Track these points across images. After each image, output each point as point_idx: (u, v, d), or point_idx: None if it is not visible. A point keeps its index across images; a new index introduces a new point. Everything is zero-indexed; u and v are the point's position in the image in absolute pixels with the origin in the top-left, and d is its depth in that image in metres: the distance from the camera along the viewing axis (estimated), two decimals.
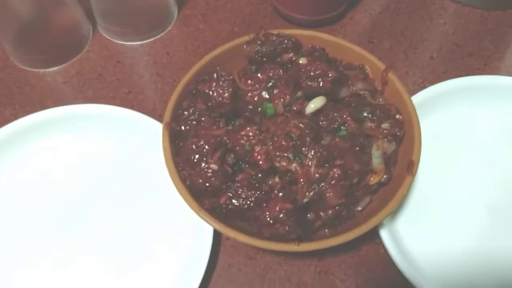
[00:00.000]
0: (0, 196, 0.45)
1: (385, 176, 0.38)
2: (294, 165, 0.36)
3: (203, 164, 0.36)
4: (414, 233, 0.43)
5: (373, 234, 0.41)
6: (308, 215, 0.37)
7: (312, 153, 0.36)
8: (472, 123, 0.48)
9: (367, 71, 0.43)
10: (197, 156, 0.36)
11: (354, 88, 0.42)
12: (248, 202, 0.36)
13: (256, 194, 0.36)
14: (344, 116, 0.38)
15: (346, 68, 0.43)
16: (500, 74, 0.51)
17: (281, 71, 0.40)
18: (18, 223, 0.43)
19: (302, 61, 0.40)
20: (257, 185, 0.36)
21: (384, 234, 0.41)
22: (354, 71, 0.43)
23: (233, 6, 0.59)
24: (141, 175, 0.45)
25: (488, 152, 0.47)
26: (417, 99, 0.47)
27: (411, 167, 0.38)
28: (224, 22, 0.57)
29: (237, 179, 0.37)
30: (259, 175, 0.37)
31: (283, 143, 0.36)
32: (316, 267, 0.42)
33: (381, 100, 0.42)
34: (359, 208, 0.38)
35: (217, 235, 0.43)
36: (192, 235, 0.42)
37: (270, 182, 0.37)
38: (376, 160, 0.38)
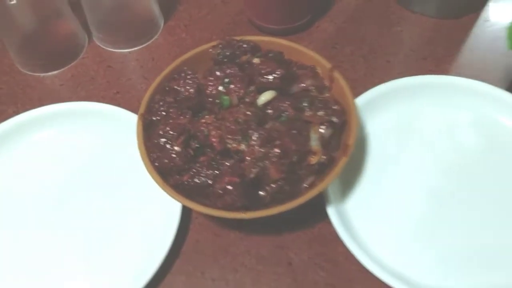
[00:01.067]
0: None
1: (324, 157, 0.44)
2: (242, 146, 0.42)
3: (168, 147, 0.43)
4: (362, 214, 0.48)
5: (325, 214, 0.46)
6: (260, 193, 0.43)
7: (256, 135, 0.42)
8: (418, 117, 0.53)
9: (317, 70, 0.49)
10: (163, 140, 0.43)
11: (303, 85, 0.48)
12: (207, 180, 0.41)
13: (214, 173, 0.42)
14: (286, 105, 0.44)
15: (299, 68, 0.50)
16: (449, 74, 0.57)
17: (237, 69, 0.46)
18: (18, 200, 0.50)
19: (256, 61, 0.47)
20: (215, 165, 0.42)
21: (331, 213, 0.46)
22: (305, 70, 0.49)
23: (212, 18, 0.66)
24: (123, 161, 0.52)
25: (431, 142, 0.52)
26: (370, 95, 0.53)
27: (346, 150, 0.44)
28: (204, 31, 0.64)
29: (199, 160, 0.43)
30: (217, 157, 0.43)
31: (233, 127, 0.42)
32: (273, 242, 0.47)
33: (328, 94, 0.48)
34: (305, 185, 0.44)
35: (186, 215, 0.48)
36: (164, 214, 0.47)
37: (227, 163, 0.43)
38: (314, 143, 0.44)
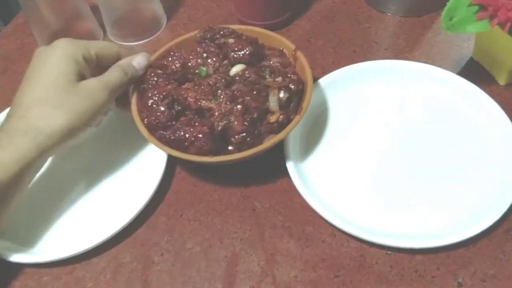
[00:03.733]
0: None
1: (281, 116, 0.52)
2: (212, 104, 0.52)
3: (155, 107, 0.52)
4: (318, 171, 0.56)
5: (286, 172, 0.54)
6: (229, 148, 0.52)
7: (224, 95, 0.51)
8: (375, 94, 0.61)
9: (284, 51, 0.59)
10: (151, 101, 0.52)
11: (271, 62, 0.57)
12: (185, 134, 0.50)
13: (191, 129, 0.51)
14: (250, 72, 0.54)
15: (269, 49, 0.59)
16: None
17: (215, 47, 0.56)
18: None
19: (231, 41, 0.57)
20: (193, 123, 0.51)
21: (290, 168, 0.54)
22: (273, 51, 0.59)
23: (207, 18, 0.77)
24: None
25: (383, 114, 0.60)
26: (334, 75, 0.62)
27: (300, 110, 0.53)
28: (199, 28, 0.75)
29: (180, 120, 0.52)
30: (195, 116, 0.52)
31: (206, 89, 0.52)
32: (241, 193, 0.56)
33: (291, 69, 0.57)
34: (266, 141, 0.51)
35: (170, 170, 0.58)
36: (151, 168, 0.56)
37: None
38: (272, 104, 0.52)
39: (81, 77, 0.51)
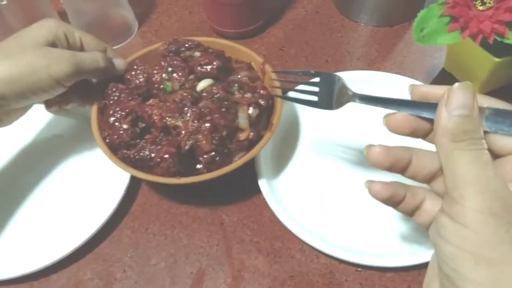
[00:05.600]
0: None
1: (252, 134, 0.50)
2: (179, 122, 0.49)
3: (117, 125, 0.49)
4: (288, 187, 0.54)
5: (258, 189, 0.52)
6: (197, 166, 0.49)
7: (190, 112, 0.49)
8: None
9: (252, 64, 0.57)
10: (113, 119, 0.50)
11: (239, 76, 0.55)
12: (150, 154, 0.48)
13: (157, 148, 0.48)
14: (218, 88, 0.51)
15: (237, 63, 0.57)
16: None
17: (180, 61, 0.54)
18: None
19: (196, 54, 0.55)
20: (158, 141, 0.49)
21: (262, 184, 0.52)
22: (241, 64, 0.57)
23: (179, 25, 0.75)
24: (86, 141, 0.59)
25: (354, 127, 0.59)
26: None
27: (271, 126, 0.51)
28: (171, 36, 0.71)
29: (145, 138, 0.50)
30: (160, 134, 0.49)
31: (172, 106, 0.50)
32: (209, 207, 0.54)
33: (260, 83, 0.55)
34: (236, 159, 0.50)
35: (135, 184, 0.56)
36: (115, 182, 0.54)
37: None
38: (242, 121, 0.50)
39: (53, 47, 0.48)
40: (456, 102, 0.31)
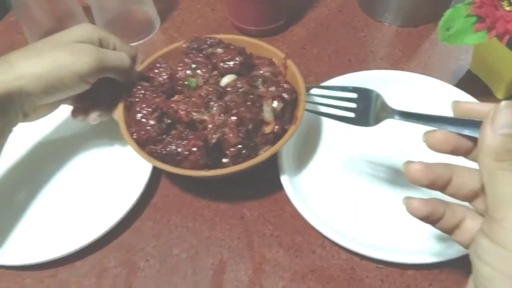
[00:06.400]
0: None
1: (277, 127, 0.51)
2: (205, 116, 0.50)
3: (144, 121, 0.50)
4: (310, 183, 0.54)
5: (280, 185, 0.52)
6: (223, 160, 0.50)
7: (217, 106, 0.50)
8: None
9: (273, 60, 0.57)
10: (140, 115, 0.50)
11: (261, 72, 0.56)
12: (177, 148, 0.48)
13: (183, 143, 0.49)
14: (242, 82, 0.52)
15: (258, 59, 0.58)
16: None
17: (203, 57, 0.55)
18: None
19: (219, 51, 0.55)
20: (184, 136, 0.49)
21: (284, 179, 0.52)
22: (263, 60, 0.57)
23: (202, 22, 0.76)
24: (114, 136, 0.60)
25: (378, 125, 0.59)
26: (328, 84, 0.60)
27: (295, 120, 0.51)
28: (193, 33, 0.72)
29: (171, 134, 0.50)
30: (186, 130, 0.50)
31: (197, 101, 0.50)
32: (231, 201, 0.54)
33: (282, 78, 0.56)
34: (261, 152, 0.50)
35: (156, 176, 0.56)
36: (137, 175, 0.55)
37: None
38: (267, 114, 0.51)
39: None
40: (502, 120, 0.30)
